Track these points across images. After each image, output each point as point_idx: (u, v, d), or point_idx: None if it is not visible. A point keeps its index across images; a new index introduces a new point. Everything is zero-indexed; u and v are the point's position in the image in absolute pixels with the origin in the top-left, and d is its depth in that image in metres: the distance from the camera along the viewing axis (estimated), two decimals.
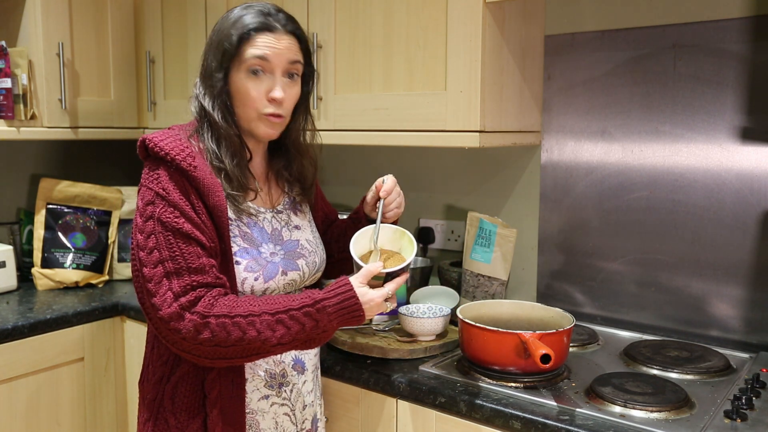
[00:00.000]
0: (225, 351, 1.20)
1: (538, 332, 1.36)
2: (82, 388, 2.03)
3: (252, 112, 1.29)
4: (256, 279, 1.29)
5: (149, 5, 2.38)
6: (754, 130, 1.60)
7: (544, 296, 1.94)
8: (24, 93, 2.13)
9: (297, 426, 1.41)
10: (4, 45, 2.11)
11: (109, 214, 2.37)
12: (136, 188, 2.43)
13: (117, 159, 2.77)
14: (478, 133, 1.62)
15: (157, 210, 1.21)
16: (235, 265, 1.27)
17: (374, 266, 1.26)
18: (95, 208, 2.35)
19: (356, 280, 1.25)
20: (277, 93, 1.28)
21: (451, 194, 2.13)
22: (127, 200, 2.41)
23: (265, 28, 1.27)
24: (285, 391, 1.37)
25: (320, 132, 1.91)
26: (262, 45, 1.26)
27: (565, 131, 1.86)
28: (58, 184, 2.31)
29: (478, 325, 1.42)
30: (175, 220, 1.21)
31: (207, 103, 1.29)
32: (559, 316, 1.52)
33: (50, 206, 2.30)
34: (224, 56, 1.27)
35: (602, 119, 1.80)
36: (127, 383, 2.15)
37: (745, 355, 1.60)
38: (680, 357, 1.56)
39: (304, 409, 1.42)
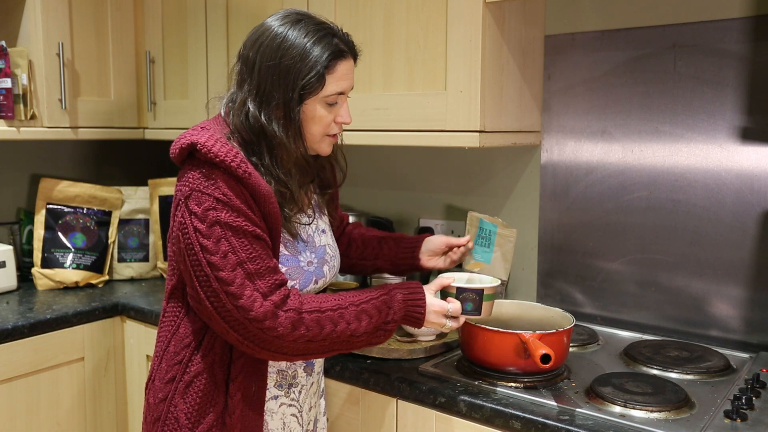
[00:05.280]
0: (315, 346, 1.23)
1: (538, 332, 1.36)
2: (82, 388, 2.03)
3: (318, 135, 1.31)
4: (292, 287, 1.31)
5: (149, 5, 2.38)
6: (754, 130, 1.60)
7: (544, 296, 1.94)
8: (24, 93, 2.13)
9: (303, 427, 1.41)
10: (4, 45, 2.11)
11: (109, 214, 2.37)
12: (136, 188, 2.44)
13: (117, 159, 2.77)
14: (478, 133, 1.62)
15: (222, 215, 1.19)
16: None
17: (447, 277, 1.37)
18: (95, 208, 2.35)
19: (429, 286, 1.35)
20: (347, 118, 1.32)
21: (451, 194, 2.13)
22: (127, 200, 2.41)
23: (341, 56, 1.26)
24: (294, 392, 1.38)
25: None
26: (341, 78, 1.27)
27: (565, 131, 1.86)
28: (58, 184, 2.31)
29: (478, 324, 1.42)
30: (245, 223, 1.20)
31: (278, 130, 1.25)
32: (559, 316, 1.52)
33: (50, 206, 2.30)
34: (304, 90, 1.23)
35: (602, 119, 1.80)
36: (127, 383, 2.15)
37: (745, 355, 1.60)
38: (680, 357, 1.56)
39: (310, 410, 1.43)
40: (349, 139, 1.84)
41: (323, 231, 1.42)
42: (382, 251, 1.60)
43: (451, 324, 1.34)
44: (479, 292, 1.37)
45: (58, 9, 2.18)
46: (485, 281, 1.44)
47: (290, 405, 1.38)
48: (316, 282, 1.36)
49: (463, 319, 1.36)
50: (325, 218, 1.45)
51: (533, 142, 1.89)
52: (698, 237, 1.69)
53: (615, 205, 1.80)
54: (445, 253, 1.58)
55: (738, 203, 1.63)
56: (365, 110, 1.81)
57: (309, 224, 1.37)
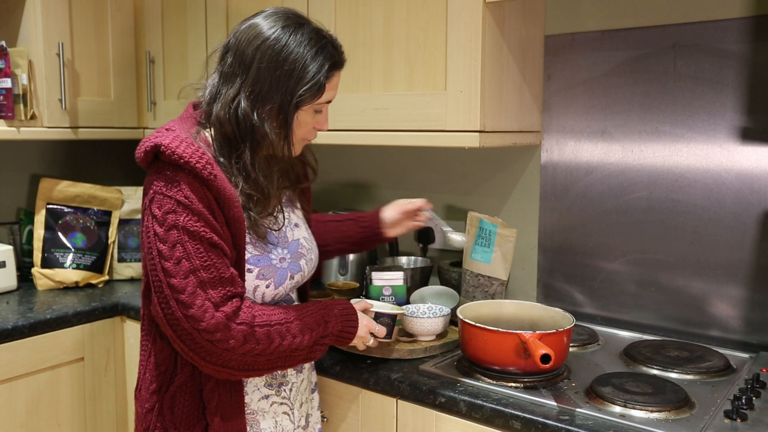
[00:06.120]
0: (262, 360, 1.22)
1: (538, 332, 1.36)
2: (82, 388, 2.03)
3: (298, 138, 1.32)
4: (267, 286, 1.31)
5: (149, 5, 2.38)
6: (754, 130, 1.60)
7: (544, 296, 1.94)
8: (24, 93, 2.13)
9: (294, 424, 1.42)
10: (4, 45, 2.11)
11: (109, 214, 2.37)
12: (136, 188, 2.43)
13: (117, 159, 2.77)
14: (478, 133, 1.62)
15: (181, 219, 1.18)
16: (246, 273, 1.28)
17: (368, 302, 1.47)
18: (95, 208, 2.35)
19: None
20: (326, 126, 1.35)
21: (451, 194, 2.13)
22: (127, 200, 2.41)
23: (337, 66, 1.29)
24: (284, 390, 1.38)
25: (320, 132, 1.91)
26: (334, 87, 1.30)
27: (565, 131, 1.86)
28: (58, 184, 2.31)
29: (478, 325, 1.42)
30: (203, 229, 1.19)
31: (270, 131, 1.25)
32: (559, 316, 1.52)
33: (50, 206, 2.29)
34: (302, 97, 1.24)
35: (602, 119, 1.80)
36: (127, 383, 2.15)
37: (745, 355, 1.60)
38: (680, 357, 1.56)
39: (301, 406, 1.44)
40: (350, 139, 1.85)
41: (296, 225, 1.42)
42: (344, 234, 1.63)
43: (372, 342, 1.43)
44: (393, 317, 1.49)
45: (58, 9, 2.18)
46: (394, 308, 1.57)
47: (281, 403, 1.38)
48: (292, 277, 1.36)
49: (377, 342, 1.46)
50: (298, 212, 1.46)
51: (533, 142, 1.89)
52: (698, 237, 1.69)
53: (615, 205, 1.80)
54: (402, 220, 1.64)
55: (738, 203, 1.63)
56: (365, 110, 1.81)
57: (278, 229, 1.35)
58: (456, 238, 1.64)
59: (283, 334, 1.23)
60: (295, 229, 1.41)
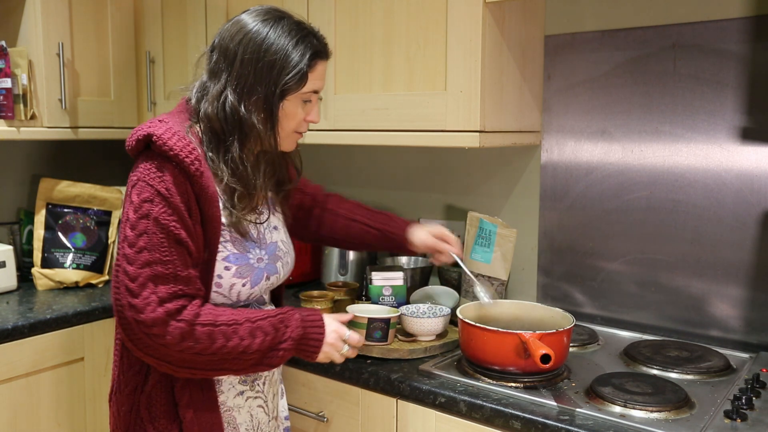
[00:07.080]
0: (204, 360, 1.21)
1: (538, 332, 1.36)
2: (82, 388, 2.03)
3: (289, 131, 1.33)
4: (244, 285, 1.31)
5: (149, 5, 2.38)
6: (754, 130, 1.60)
7: (544, 296, 1.94)
8: (24, 93, 2.13)
9: (269, 416, 1.43)
10: (4, 45, 2.11)
11: (109, 214, 2.37)
12: None
13: (117, 159, 2.77)
14: (478, 133, 1.62)
15: (155, 209, 1.19)
16: (224, 271, 1.28)
17: (345, 317, 1.42)
18: (95, 208, 2.35)
19: (335, 316, 1.37)
20: (316, 118, 1.35)
21: (451, 194, 2.13)
22: None
23: (320, 56, 1.30)
24: (258, 384, 1.40)
25: (320, 132, 1.92)
26: (319, 77, 1.31)
27: (565, 131, 1.86)
28: (58, 184, 2.31)
29: (478, 325, 1.42)
30: (173, 224, 1.19)
31: (257, 123, 1.26)
32: (559, 316, 1.52)
33: (50, 206, 2.29)
34: (287, 86, 1.26)
35: (602, 119, 1.80)
36: None
37: (745, 355, 1.60)
38: (680, 357, 1.56)
39: (273, 398, 1.45)
40: (350, 139, 1.85)
41: (275, 227, 1.42)
42: (365, 241, 1.63)
43: (346, 350, 1.34)
44: (387, 321, 1.53)
45: (58, 9, 2.18)
46: (390, 312, 1.60)
47: (256, 397, 1.39)
48: (267, 278, 1.36)
49: (355, 351, 1.37)
50: (279, 215, 1.46)
51: (533, 142, 1.89)
52: (698, 237, 1.69)
53: (615, 205, 1.80)
54: (430, 249, 1.62)
55: (738, 203, 1.63)
56: (365, 110, 1.81)
57: (263, 222, 1.37)
58: (482, 296, 1.60)
59: (229, 336, 1.21)
60: (273, 232, 1.41)
